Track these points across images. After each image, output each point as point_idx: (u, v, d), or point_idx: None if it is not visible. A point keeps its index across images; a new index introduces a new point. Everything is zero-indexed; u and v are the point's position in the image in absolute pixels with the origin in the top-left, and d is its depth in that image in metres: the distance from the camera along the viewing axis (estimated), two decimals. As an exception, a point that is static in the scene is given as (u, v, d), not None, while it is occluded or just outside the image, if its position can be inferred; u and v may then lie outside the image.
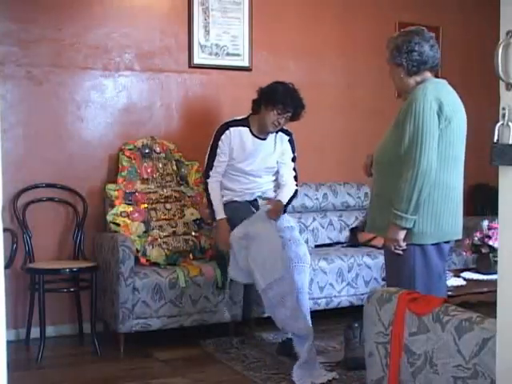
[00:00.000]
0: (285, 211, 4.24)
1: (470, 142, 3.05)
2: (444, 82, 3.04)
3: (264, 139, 4.25)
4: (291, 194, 4.26)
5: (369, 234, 4.76)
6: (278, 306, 3.73)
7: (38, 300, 3.99)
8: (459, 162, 3.00)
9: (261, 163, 4.23)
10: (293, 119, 4.21)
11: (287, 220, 4.29)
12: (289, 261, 4.04)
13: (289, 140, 4.32)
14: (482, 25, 5.73)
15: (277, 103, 4.08)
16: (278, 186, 4.33)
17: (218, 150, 4.18)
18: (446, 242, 3.02)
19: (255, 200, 4.27)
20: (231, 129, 4.18)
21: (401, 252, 2.96)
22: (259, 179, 4.26)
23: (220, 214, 4.17)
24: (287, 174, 4.30)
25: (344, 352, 3.78)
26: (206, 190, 4.23)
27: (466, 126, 3.02)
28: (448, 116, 2.88)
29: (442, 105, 2.87)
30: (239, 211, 4.13)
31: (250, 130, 4.21)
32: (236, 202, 4.21)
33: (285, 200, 4.22)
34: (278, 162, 4.28)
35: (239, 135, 4.19)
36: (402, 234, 2.92)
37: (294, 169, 4.34)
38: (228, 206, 4.20)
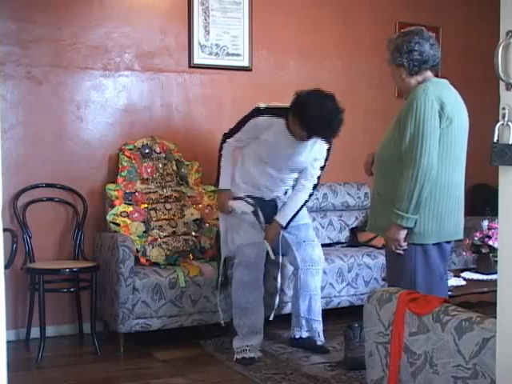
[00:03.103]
0: (287, 226, 3.96)
1: (470, 142, 3.05)
2: (445, 81, 3.03)
3: None
4: (302, 203, 3.99)
5: (369, 233, 4.77)
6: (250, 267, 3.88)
7: (38, 300, 3.99)
8: (461, 161, 3.00)
9: (288, 160, 3.86)
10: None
11: (302, 216, 4.07)
12: (302, 262, 4.03)
13: (328, 149, 3.98)
14: (482, 25, 5.73)
15: (303, 127, 3.64)
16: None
17: (243, 128, 3.88)
18: (447, 242, 3.02)
19: (272, 200, 4.01)
20: (260, 118, 3.80)
21: (402, 252, 2.96)
22: (282, 175, 3.93)
23: (223, 185, 3.98)
24: (310, 179, 3.98)
25: (344, 352, 3.78)
26: (220, 150, 3.98)
27: (467, 125, 3.02)
28: (449, 116, 2.88)
29: (443, 105, 2.87)
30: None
31: (287, 123, 3.75)
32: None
33: (291, 213, 3.94)
34: (306, 167, 3.95)
35: (271, 126, 3.78)
36: (402, 234, 2.91)
37: (319, 177, 4.02)
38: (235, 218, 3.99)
